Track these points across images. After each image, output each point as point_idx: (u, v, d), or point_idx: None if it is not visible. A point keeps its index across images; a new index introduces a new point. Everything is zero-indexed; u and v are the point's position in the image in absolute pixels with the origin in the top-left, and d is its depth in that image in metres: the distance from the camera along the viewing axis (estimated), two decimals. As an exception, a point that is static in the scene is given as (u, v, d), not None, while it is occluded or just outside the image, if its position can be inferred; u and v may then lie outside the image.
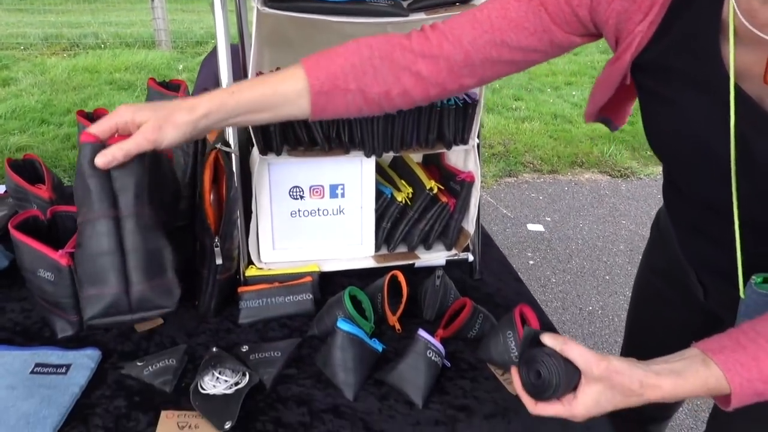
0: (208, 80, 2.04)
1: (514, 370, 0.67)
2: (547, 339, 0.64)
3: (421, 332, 0.85)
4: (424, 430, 0.78)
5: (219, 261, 0.92)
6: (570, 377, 0.62)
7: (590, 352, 0.61)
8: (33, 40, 5.33)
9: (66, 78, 4.49)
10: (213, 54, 2.18)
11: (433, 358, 0.84)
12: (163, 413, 0.77)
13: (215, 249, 0.92)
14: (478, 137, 1.05)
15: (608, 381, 0.60)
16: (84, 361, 0.84)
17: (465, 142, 1.04)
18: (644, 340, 1.08)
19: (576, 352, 0.61)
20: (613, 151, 3.75)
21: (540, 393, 0.64)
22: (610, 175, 3.57)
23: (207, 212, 0.90)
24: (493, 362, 0.89)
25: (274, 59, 1.20)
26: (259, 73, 1.15)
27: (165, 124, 0.70)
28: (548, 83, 4.90)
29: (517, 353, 0.86)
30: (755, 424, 0.86)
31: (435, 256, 1.11)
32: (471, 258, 1.12)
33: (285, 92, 0.74)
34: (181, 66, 4.84)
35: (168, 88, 1.24)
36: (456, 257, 1.12)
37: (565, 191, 3.36)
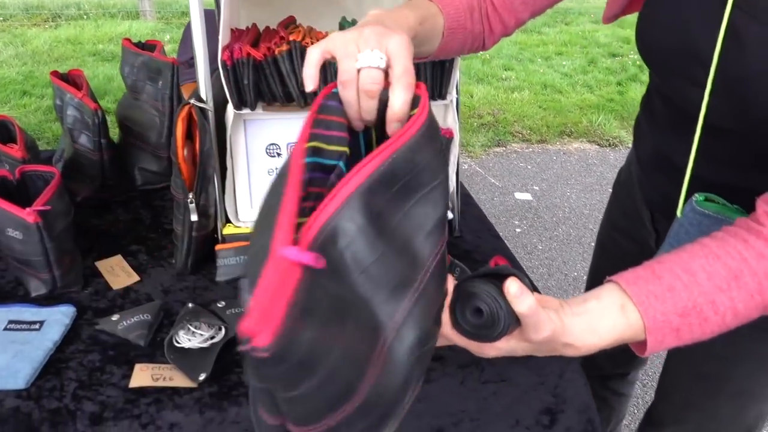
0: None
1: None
2: (514, 288, 0.49)
3: (397, 285, 0.85)
4: (398, 379, 0.79)
5: (194, 217, 0.91)
6: (513, 326, 0.52)
7: (544, 314, 0.51)
8: (13, 11, 5.20)
9: (48, 49, 4.39)
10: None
11: (408, 310, 0.84)
12: (137, 366, 0.77)
13: (190, 205, 0.91)
14: (456, 92, 1.04)
15: (537, 344, 0.53)
16: (58, 318, 0.83)
17: (443, 97, 1.03)
18: None
19: (533, 320, 0.50)
20: (602, 121, 3.74)
21: (481, 334, 0.52)
22: (598, 145, 3.57)
23: (181, 167, 0.89)
24: (470, 315, 0.90)
25: (250, 16, 1.18)
26: (233, 30, 1.12)
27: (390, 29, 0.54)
28: (539, 53, 4.86)
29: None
30: (700, 380, 0.88)
31: (414, 215, 1.11)
32: (450, 216, 1.12)
33: (437, 26, 0.71)
34: (168, 37, 4.74)
35: (143, 49, 1.22)
36: (435, 215, 1.12)
37: (553, 160, 3.35)
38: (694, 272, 0.53)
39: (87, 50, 4.44)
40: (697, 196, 0.66)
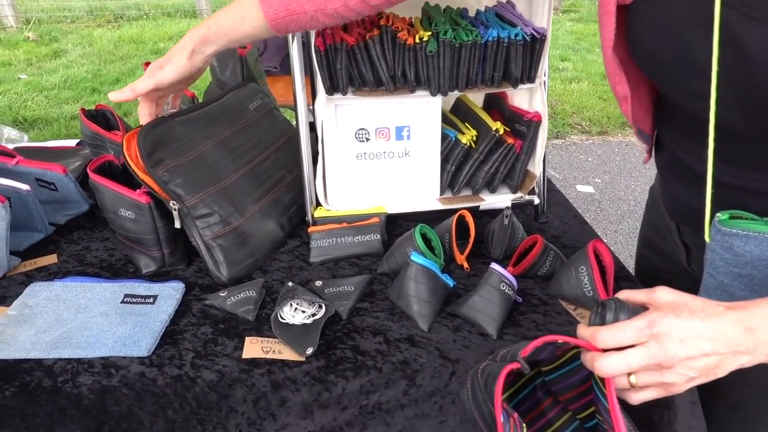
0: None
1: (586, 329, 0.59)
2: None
3: (494, 265, 0.85)
4: (499, 358, 0.79)
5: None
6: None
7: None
8: (78, 13, 5.45)
9: (113, 48, 4.60)
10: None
11: (506, 291, 0.84)
12: (248, 339, 0.81)
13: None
14: (544, 75, 1.03)
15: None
16: (170, 292, 0.87)
17: (531, 80, 1.02)
18: None
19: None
20: (665, 111, 3.62)
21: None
22: (661, 136, 3.46)
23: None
24: (565, 298, 0.89)
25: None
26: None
27: (165, 64, 0.88)
28: (596, 43, 4.74)
29: (589, 288, 0.86)
30: (736, 410, 0.83)
31: (500, 199, 1.11)
32: (537, 201, 1.11)
33: (250, 28, 0.84)
34: (223, 34, 4.87)
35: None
36: (521, 200, 1.12)
37: (615, 152, 3.27)
38: None
39: (149, 48, 4.62)
40: (720, 216, 0.61)
